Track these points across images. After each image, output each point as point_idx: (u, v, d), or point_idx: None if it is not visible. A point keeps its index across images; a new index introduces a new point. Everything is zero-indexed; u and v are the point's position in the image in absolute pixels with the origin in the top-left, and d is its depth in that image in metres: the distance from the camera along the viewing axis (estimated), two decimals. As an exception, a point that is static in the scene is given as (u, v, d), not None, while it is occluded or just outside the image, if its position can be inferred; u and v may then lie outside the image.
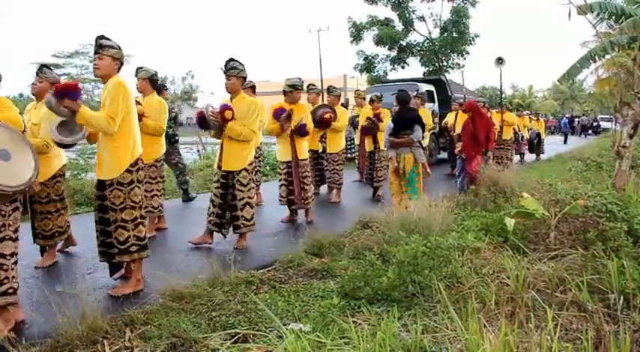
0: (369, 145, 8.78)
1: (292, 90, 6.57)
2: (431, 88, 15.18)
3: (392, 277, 3.66)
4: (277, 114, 6.43)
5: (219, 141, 5.45)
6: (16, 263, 3.40)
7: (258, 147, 7.36)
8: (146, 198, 5.78)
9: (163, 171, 6.10)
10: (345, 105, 12.11)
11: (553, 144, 23.17)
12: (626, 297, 3.29)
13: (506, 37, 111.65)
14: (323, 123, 7.81)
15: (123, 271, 4.24)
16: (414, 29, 24.38)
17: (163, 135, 6.01)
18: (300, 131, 6.43)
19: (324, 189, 9.03)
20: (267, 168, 11.67)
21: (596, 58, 8.87)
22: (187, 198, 8.38)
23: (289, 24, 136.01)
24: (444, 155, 14.52)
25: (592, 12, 8.33)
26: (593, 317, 3.01)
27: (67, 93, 3.79)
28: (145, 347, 3.06)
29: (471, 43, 24.02)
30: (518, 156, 15.90)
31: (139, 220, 4.13)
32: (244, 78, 5.43)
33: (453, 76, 24.16)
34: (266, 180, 10.41)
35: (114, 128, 3.90)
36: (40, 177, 4.59)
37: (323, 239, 5.17)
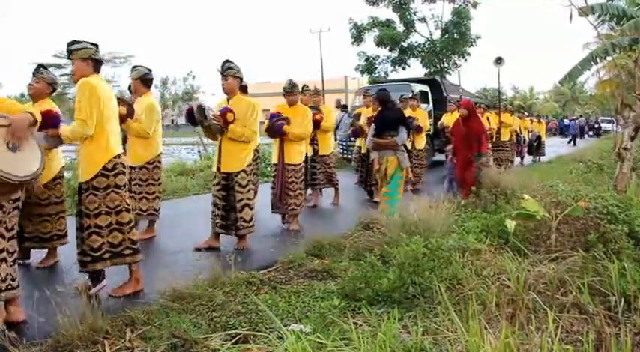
0: (362, 147, 8.69)
1: (284, 93, 6.48)
2: (425, 88, 14.94)
3: (392, 278, 3.66)
4: (271, 117, 6.33)
5: (216, 141, 5.43)
6: (5, 260, 3.33)
7: (255, 149, 7.27)
8: (135, 201, 5.77)
9: (158, 174, 5.96)
10: (345, 106, 12.08)
11: (554, 146, 23.16)
12: (627, 299, 3.28)
13: (508, 38, 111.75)
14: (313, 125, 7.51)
15: (104, 283, 4.05)
16: (415, 30, 24.41)
17: (158, 136, 5.92)
18: (273, 128, 6.19)
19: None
20: (268, 169, 11.66)
21: (598, 59, 8.83)
22: None
23: (290, 25, 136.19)
24: (439, 157, 14.47)
25: (593, 14, 8.31)
26: (593, 319, 3.01)
27: (50, 125, 3.94)
28: (145, 347, 3.06)
29: (472, 45, 24.04)
30: (518, 158, 15.85)
31: (114, 226, 3.96)
32: (241, 78, 5.41)
33: (452, 77, 24.14)
34: (266, 181, 10.39)
35: (89, 130, 3.82)
36: (41, 179, 4.63)
37: (324, 240, 5.17)
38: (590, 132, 38.06)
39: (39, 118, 3.49)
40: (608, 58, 9.00)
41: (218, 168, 5.39)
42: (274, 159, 6.45)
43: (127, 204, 4.05)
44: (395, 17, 24.25)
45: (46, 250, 4.95)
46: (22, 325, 3.47)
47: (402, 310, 3.39)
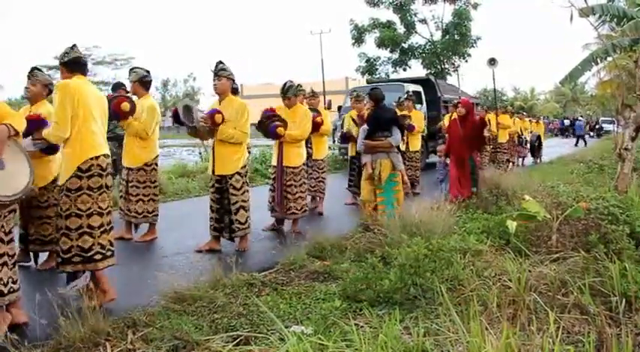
0: (351, 150, 8.31)
1: (281, 95, 6.42)
2: (418, 88, 14.43)
3: (394, 280, 3.66)
4: (265, 113, 6.22)
5: (204, 142, 5.44)
6: (5, 264, 3.33)
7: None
8: (130, 203, 5.79)
9: (155, 176, 5.95)
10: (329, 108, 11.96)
11: (556, 147, 23.13)
12: (628, 300, 3.28)
13: (508, 39, 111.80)
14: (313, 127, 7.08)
15: (83, 282, 3.86)
16: (415, 32, 24.48)
17: (155, 139, 5.93)
18: (266, 128, 6.05)
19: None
20: (269, 170, 11.66)
21: (598, 60, 8.83)
22: None
23: (291, 26, 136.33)
24: (433, 159, 14.39)
25: (594, 14, 8.32)
26: (595, 319, 3.01)
27: (36, 128, 3.96)
28: (146, 349, 3.06)
29: (472, 46, 24.11)
30: (520, 160, 15.77)
31: (84, 230, 3.81)
32: (233, 80, 5.40)
33: (453, 78, 24.15)
34: (267, 183, 10.39)
35: (62, 132, 3.79)
36: (40, 181, 4.56)
37: (325, 241, 5.17)
38: (592, 133, 38.03)
39: (20, 127, 3.42)
40: (609, 59, 9.01)
41: (213, 171, 5.39)
42: (274, 162, 6.39)
43: (100, 208, 3.87)
44: (395, 18, 24.32)
45: (47, 252, 4.96)
46: (24, 327, 3.48)
47: (403, 311, 3.39)
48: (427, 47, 24.62)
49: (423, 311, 3.40)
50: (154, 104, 5.88)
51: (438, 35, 24.56)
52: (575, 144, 26.80)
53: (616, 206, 4.86)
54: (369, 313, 3.36)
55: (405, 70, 24.33)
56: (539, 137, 16.94)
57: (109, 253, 3.97)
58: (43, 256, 5.00)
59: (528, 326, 2.78)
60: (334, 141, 13.81)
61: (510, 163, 12.67)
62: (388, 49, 24.12)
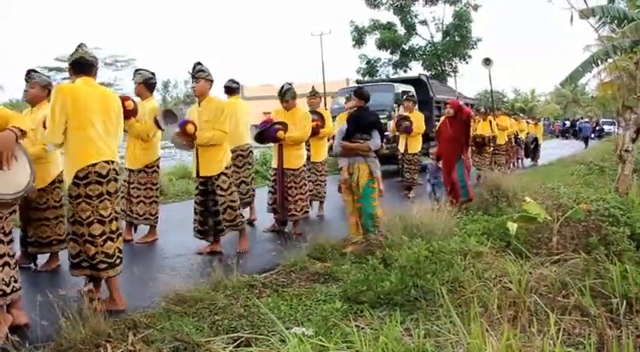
0: None
1: (279, 99, 6.42)
2: (410, 88, 13.94)
3: (394, 281, 3.67)
4: (263, 125, 6.29)
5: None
6: (7, 264, 3.31)
7: (247, 153, 6.82)
8: (131, 204, 5.81)
9: (156, 178, 5.95)
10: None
11: (557, 148, 23.11)
12: (629, 302, 3.28)
13: (509, 41, 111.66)
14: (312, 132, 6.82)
15: (86, 289, 3.92)
16: (416, 33, 24.50)
17: (158, 141, 5.94)
18: (266, 135, 6.10)
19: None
20: (269, 172, 11.64)
21: (599, 61, 8.82)
22: None
23: (292, 28, 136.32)
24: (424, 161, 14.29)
25: (594, 16, 8.32)
26: (595, 321, 3.02)
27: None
28: (147, 350, 3.06)
29: (473, 47, 24.09)
30: (519, 161, 15.70)
31: (86, 238, 3.77)
32: (212, 81, 5.35)
33: (452, 79, 24.16)
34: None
35: (54, 138, 3.75)
36: (38, 182, 4.54)
37: (326, 243, 5.17)
38: (592, 135, 38.04)
39: (27, 127, 3.39)
40: (610, 60, 9.01)
41: (197, 173, 5.33)
42: (274, 164, 6.41)
43: (102, 215, 3.79)
44: (396, 20, 24.35)
45: (47, 254, 4.97)
46: (25, 328, 3.48)
47: (403, 313, 3.40)
48: (428, 49, 24.65)
49: (423, 313, 3.40)
50: (156, 106, 5.89)
51: (438, 37, 24.59)
52: (585, 146, 26.59)
53: (617, 207, 4.86)
54: (369, 314, 3.36)
55: (405, 71, 24.34)
56: (535, 139, 16.79)
57: (117, 261, 3.89)
58: (42, 258, 5.00)
59: (529, 328, 2.79)
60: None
61: (508, 165, 12.54)
62: (389, 51, 24.15)
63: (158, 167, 6.00)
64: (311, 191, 7.39)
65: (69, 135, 3.74)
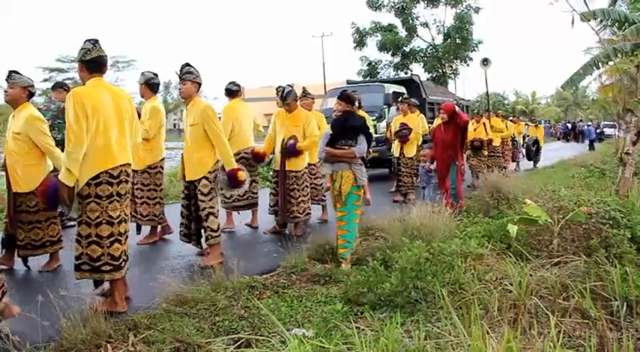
0: None
1: (281, 101, 6.38)
2: (401, 89, 13.44)
3: (395, 283, 3.67)
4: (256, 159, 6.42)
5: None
6: None
7: (250, 156, 6.63)
8: (135, 205, 5.79)
9: (160, 179, 5.94)
10: None
11: (558, 151, 23.08)
12: (630, 304, 3.28)
13: (510, 43, 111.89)
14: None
15: (104, 287, 4.01)
16: (417, 35, 24.52)
17: (161, 141, 5.93)
18: (289, 151, 6.11)
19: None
20: (270, 173, 11.63)
21: (600, 64, 8.85)
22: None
23: (293, 29, 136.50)
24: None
25: (595, 19, 8.35)
26: (596, 324, 3.02)
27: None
28: (148, 351, 3.07)
29: (474, 50, 24.09)
30: (514, 164, 15.60)
31: (93, 239, 3.74)
32: (199, 83, 5.19)
33: (453, 81, 24.17)
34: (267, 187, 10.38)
35: (80, 146, 3.63)
36: (25, 186, 4.66)
37: (326, 245, 5.17)
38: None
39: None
40: (610, 63, 9.03)
41: (183, 177, 5.27)
42: (276, 166, 6.39)
43: (111, 217, 3.77)
44: (397, 22, 24.37)
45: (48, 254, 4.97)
46: (25, 329, 3.48)
47: (404, 314, 3.40)
48: (429, 51, 24.66)
49: (424, 315, 3.40)
50: (156, 105, 5.85)
51: (439, 39, 24.61)
52: (593, 149, 26.50)
53: (617, 210, 4.86)
54: (370, 316, 3.37)
55: (406, 73, 24.35)
56: (536, 141, 16.69)
57: (122, 263, 3.86)
58: (35, 259, 5.00)
59: (529, 330, 2.79)
60: None
61: (503, 168, 12.29)
62: (390, 53, 24.17)
63: (162, 168, 5.98)
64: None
65: (87, 140, 3.68)
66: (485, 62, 13.04)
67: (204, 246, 5.25)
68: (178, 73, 5.17)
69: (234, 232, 6.69)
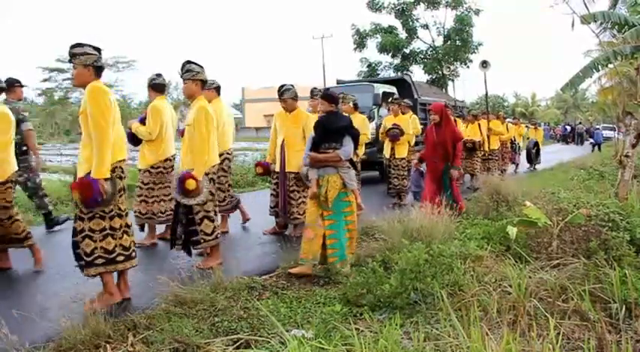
0: None
1: (278, 98, 6.29)
2: (392, 89, 13.04)
3: (394, 284, 3.67)
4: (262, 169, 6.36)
5: None
6: None
7: (232, 157, 6.52)
8: (137, 203, 5.83)
9: (161, 178, 5.88)
10: None
11: (558, 153, 23.08)
12: (628, 307, 3.29)
13: (510, 45, 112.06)
14: None
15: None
16: (417, 37, 24.53)
17: (166, 140, 5.87)
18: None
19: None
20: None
21: (599, 67, 8.86)
22: (51, 224, 6.75)
23: (293, 31, 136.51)
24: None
25: (595, 21, 8.36)
26: (595, 326, 3.02)
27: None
28: (147, 351, 3.07)
29: (474, 52, 24.11)
30: (513, 166, 15.60)
31: (108, 232, 3.87)
32: (202, 80, 4.99)
33: (455, 83, 24.21)
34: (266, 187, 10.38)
35: (108, 138, 3.78)
36: None
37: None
38: (592, 140, 38.09)
39: None
40: (610, 66, 9.03)
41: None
42: (276, 168, 6.36)
43: (120, 209, 3.94)
44: (397, 24, 24.39)
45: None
46: (25, 329, 3.48)
47: (403, 316, 3.40)
48: (429, 53, 24.68)
49: (423, 316, 3.41)
50: (156, 105, 5.81)
51: (439, 41, 24.63)
52: (599, 150, 26.50)
53: (616, 212, 4.87)
54: (369, 317, 3.37)
55: (406, 74, 24.36)
56: (536, 143, 16.64)
57: (133, 254, 4.08)
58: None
59: (528, 332, 2.79)
60: None
61: (502, 171, 12.16)
62: (390, 54, 24.18)
63: (165, 168, 5.90)
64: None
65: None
66: (485, 64, 12.99)
67: (193, 251, 5.10)
68: (180, 72, 5.06)
69: (233, 233, 6.68)
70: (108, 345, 3.10)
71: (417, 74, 24.51)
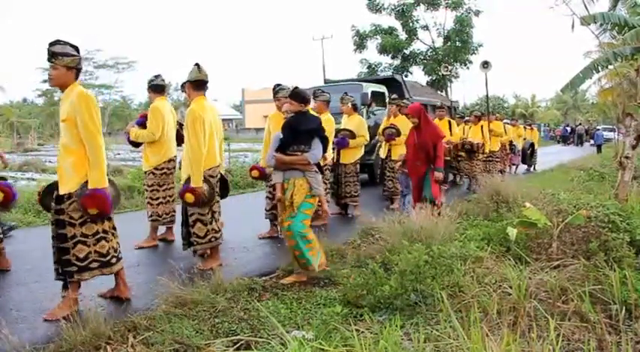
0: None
1: (273, 97, 6.20)
2: (381, 89, 12.58)
3: (394, 286, 3.67)
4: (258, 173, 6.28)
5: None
6: None
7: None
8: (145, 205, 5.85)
9: (165, 180, 5.87)
10: None
11: (558, 154, 23.08)
12: (628, 308, 3.29)
13: (510, 46, 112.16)
14: None
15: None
16: (417, 38, 24.58)
17: (167, 142, 5.83)
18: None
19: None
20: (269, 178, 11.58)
21: (599, 68, 8.84)
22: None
23: (294, 32, 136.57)
24: None
25: (595, 23, 8.35)
26: (595, 327, 3.02)
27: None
28: (147, 352, 3.07)
29: (474, 53, 24.15)
30: (513, 168, 15.59)
31: (101, 235, 3.86)
32: (192, 82, 4.90)
33: (454, 84, 24.21)
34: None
35: (97, 149, 3.71)
36: None
37: (325, 247, 5.17)
38: (592, 141, 38.11)
39: None
40: (610, 67, 9.03)
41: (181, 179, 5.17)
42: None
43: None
44: (397, 25, 24.42)
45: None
46: (25, 330, 3.49)
47: (403, 317, 3.40)
48: (429, 54, 24.72)
49: (423, 317, 3.40)
50: (155, 105, 5.79)
51: (439, 42, 24.67)
52: (599, 151, 26.49)
53: (616, 214, 4.87)
54: (369, 318, 3.37)
55: (406, 75, 24.39)
56: (532, 145, 16.62)
57: (120, 255, 4.05)
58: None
59: (528, 333, 2.79)
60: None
61: (501, 172, 12.05)
62: (390, 55, 24.23)
63: (169, 169, 5.90)
64: None
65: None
66: (486, 65, 12.97)
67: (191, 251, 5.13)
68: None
69: (233, 234, 6.66)
70: (108, 346, 3.11)
71: (417, 75, 24.56)
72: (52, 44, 3.74)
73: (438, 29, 24.37)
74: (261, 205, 6.87)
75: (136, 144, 5.92)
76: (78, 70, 3.83)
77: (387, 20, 32.71)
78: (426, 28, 24.41)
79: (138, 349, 3.11)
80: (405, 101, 9.53)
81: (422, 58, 24.76)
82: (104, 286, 4.21)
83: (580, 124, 41.84)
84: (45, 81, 42.35)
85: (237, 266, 4.89)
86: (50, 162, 18.29)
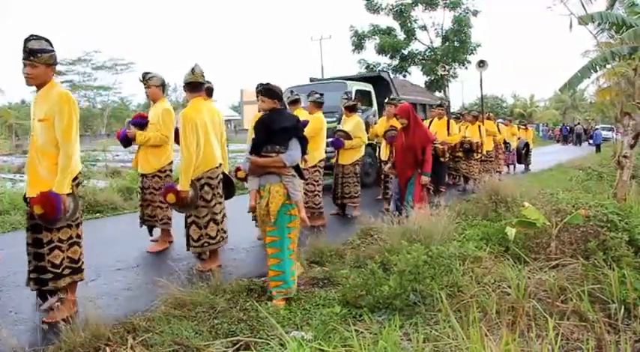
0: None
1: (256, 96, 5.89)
2: (367, 87, 12.25)
3: (393, 286, 3.67)
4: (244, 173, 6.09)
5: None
6: None
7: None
8: (147, 208, 5.80)
9: (170, 182, 5.87)
10: None
11: (555, 154, 23.10)
12: (627, 307, 3.29)
13: (508, 46, 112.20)
14: None
15: (55, 299, 3.77)
16: (415, 38, 24.59)
17: (169, 143, 5.75)
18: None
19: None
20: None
21: (597, 67, 8.86)
22: None
23: (292, 32, 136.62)
24: None
25: (593, 22, 8.37)
26: (594, 326, 3.02)
27: None
28: (147, 354, 3.07)
29: (472, 53, 24.17)
30: (512, 167, 15.56)
31: (74, 240, 3.78)
32: (188, 84, 4.87)
33: (453, 85, 24.23)
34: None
35: (71, 153, 3.63)
36: None
37: (324, 247, 5.18)
38: (591, 141, 38.14)
39: None
40: (608, 66, 9.05)
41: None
42: None
43: (77, 218, 3.84)
44: (396, 25, 24.45)
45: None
46: (24, 332, 3.48)
47: (402, 317, 3.40)
48: (427, 54, 24.74)
49: (422, 318, 3.40)
50: (168, 109, 5.73)
51: (437, 42, 24.69)
52: (598, 150, 26.51)
53: (615, 213, 4.87)
54: (368, 319, 3.37)
55: (404, 76, 24.42)
56: (527, 144, 16.62)
57: (82, 265, 3.91)
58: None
59: (527, 333, 2.80)
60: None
61: (497, 172, 12.01)
62: (388, 56, 24.24)
63: (171, 171, 5.89)
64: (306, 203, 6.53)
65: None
66: (482, 64, 12.98)
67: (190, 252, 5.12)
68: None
69: (232, 236, 6.65)
70: (107, 348, 3.10)
71: (416, 75, 24.58)
72: (27, 40, 3.55)
73: (436, 29, 24.42)
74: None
75: (126, 144, 5.84)
76: (55, 67, 3.72)
77: (386, 20, 32.72)
78: (424, 28, 24.43)
79: (137, 350, 3.10)
80: (403, 101, 9.43)
81: (420, 58, 24.77)
82: (108, 287, 4.21)
83: (579, 124, 41.86)
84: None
85: (237, 268, 4.88)
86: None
